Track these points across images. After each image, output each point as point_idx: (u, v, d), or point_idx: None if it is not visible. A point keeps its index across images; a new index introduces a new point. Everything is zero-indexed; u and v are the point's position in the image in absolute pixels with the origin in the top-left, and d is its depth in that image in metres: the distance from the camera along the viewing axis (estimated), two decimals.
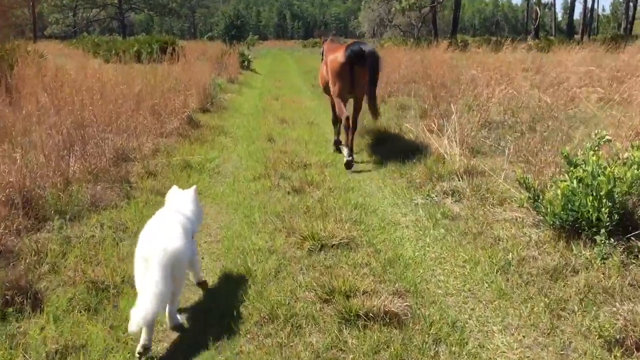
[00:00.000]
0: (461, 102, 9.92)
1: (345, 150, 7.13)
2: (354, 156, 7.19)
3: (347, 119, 7.24)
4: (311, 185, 6.03)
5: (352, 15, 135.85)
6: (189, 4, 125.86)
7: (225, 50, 24.03)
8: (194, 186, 3.82)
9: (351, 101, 7.68)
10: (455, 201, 5.41)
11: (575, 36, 49.82)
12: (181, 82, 12.36)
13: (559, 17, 57.32)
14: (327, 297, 3.38)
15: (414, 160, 6.93)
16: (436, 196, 5.57)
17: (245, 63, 25.36)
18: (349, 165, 6.93)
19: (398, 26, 61.83)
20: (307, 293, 3.48)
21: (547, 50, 21.09)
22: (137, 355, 2.90)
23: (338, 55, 7.17)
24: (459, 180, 5.75)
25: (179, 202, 3.63)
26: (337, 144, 8.05)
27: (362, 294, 3.38)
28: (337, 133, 8.19)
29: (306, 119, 11.00)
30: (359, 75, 7.14)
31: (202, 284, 3.70)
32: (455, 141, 6.80)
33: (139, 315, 2.77)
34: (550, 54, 17.59)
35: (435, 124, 8.17)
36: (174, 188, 3.80)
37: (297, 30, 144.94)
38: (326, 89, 8.11)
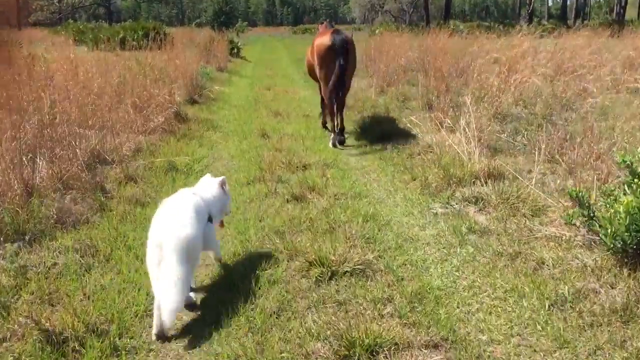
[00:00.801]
0: (468, 92, 9.24)
1: (332, 135, 7.63)
2: (345, 136, 7.79)
3: (332, 105, 7.56)
4: (313, 191, 5.30)
5: (342, 1, 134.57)
6: None
7: (213, 37, 23.13)
8: (223, 177, 3.92)
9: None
10: (480, 210, 4.71)
11: (568, 22, 49.13)
12: (167, 71, 11.60)
13: (549, 2, 56.58)
14: (346, 352, 2.67)
15: (426, 160, 6.23)
16: (457, 204, 4.86)
17: (235, 50, 24.48)
18: (334, 145, 7.48)
19: (389, 12, 61.01)
20: (319, 345, 2.77)
21: (556, 36, 20.30)
22: (155, 337, 2.91)
23: (324, 40, 7.42)
24: (482, 185, 5.05)
25: (203, 186, 3.74)
26: (324, 124, 8.56)
27: (390, 347, 2.68)
28: (324, 115, 8.59)
29: (301, 111, 10.25)
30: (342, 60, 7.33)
31: (220, 260, 3.78)
32: (472, 137, 6.09)
33: (169, 308, 2.82)
34: (554, 39, 16.84)
35: (444, 117, 7.46)
36: (207, 176, 3.92)
37: (286, 17, 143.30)
38: (311, 73, 8.49)
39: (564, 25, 41.07)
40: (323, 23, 9.13)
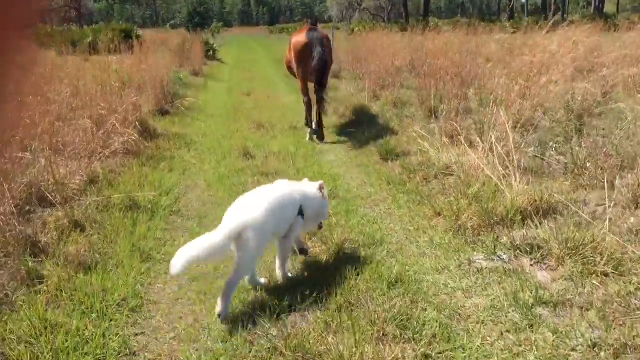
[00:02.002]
0: (481, 96, 8.14)
1: (308, 129, 7.88)
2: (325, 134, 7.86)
3: (309, 100, 7.89)
4: (314, 235, 4.13)
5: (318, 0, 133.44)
6: None
7: (187, 39, 21.78)
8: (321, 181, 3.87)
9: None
10: (538, 263, 3.56)
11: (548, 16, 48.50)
12: (135, 77, 10.35)
13: None
14: None
15: (447, 185, 5.09)
16: (505, 254, 3.70)
17: (210, 52, 23.18)
18: (311, 138, 7.74)
19: (367, 9, 60.01)
20: None
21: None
22: (218, 316, 3.06)
23: (300, 37, 7.76)
24: (535, 226, 3.90)
25: (304, 183, 3.83)
26: (307, 120, 8.31)
27: None
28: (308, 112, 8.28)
29: (287, 122, 9.04)
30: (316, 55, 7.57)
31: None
32: (503, 155, 4.95)
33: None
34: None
35: (456, 128, 6.34)
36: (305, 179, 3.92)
37: (262, 16, 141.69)
38: (290, 70, 8.64)
39: (545, 20, 40.52)
40: (306, 21, 9.52)
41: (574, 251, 3.46)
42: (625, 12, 69.69)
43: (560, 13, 51.46)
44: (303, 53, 7.66)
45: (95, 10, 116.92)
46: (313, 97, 7.83)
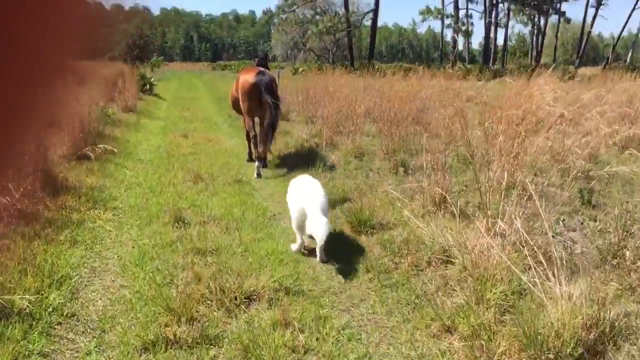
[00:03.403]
0: (450, 151, 7.03)
1: (256, 164, 7.75)
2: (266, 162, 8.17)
3: (255, 136, 7.95)
4: None
5: (262, 38, 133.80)
6: None
7: (122, 72, 20.06)
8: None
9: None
10: None
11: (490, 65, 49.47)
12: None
13: (461, 45, 57.03)
14: None
15: (450, 281, 3.79)
16: None
17: (147, 87, 21.49)
18: (259, 175, 7.62)
19: (312, 50, 59.70)
20: None
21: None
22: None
23: (249, 77, 7.81)
24: None
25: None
26: (250, 155, 8.58)
27: None
28: (251, 148, 8.45)
29: (231, 173, 7.61)
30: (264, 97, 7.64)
31: None
32: (529, 242, 3.71)
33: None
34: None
35: (443, 194, 5.12)
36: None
37: (204, 52, 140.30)
38: (234, 107, 8.76)
39: (487, 69, 41.05)
40: (257, 58, 9.21)
41: None
42: (558, 63, 72.56)
43: (500, 62, 52.73)
44: (250, 94, 7.71)
45: None
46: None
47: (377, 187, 6.49)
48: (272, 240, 4.85)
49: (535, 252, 3.49)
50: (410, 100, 11.00)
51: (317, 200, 4.47)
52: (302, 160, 8.22)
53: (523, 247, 3.83)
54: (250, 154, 8.50)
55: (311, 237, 4.39)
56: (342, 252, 4.56)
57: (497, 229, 3.99)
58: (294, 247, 4.62)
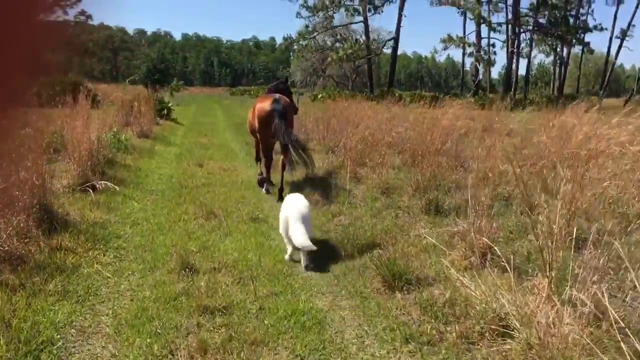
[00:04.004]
0: (488, 190, 6.36)
1: (265, 185, 8.27)
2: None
3: (271, 161, 8.25)
4: None
5: (281, 64, 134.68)
6: (111, 47, 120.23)
7: (140, 96, 19.70)
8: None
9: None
10: None
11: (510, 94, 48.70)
12: (63, 140, 8.35)
13: (481, 74, 56.17)
14: None
15: None
16: None
17: (165, 112, 21.13)
18: (268, 192, 8.16)
19: (332, 77, 59.61)
20: None
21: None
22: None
23: (265, 105, 7.81)
24: None
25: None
26: (262, 181, 8.52)
27: None
28: (261, 171, 8.59)
29: (246, 209, 7.00)
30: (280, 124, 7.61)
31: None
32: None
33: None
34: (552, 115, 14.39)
35: (490, 245, 4.44)
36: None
37: (224, 78, 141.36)
38: (252, 133, 8.75)
39: (509, 98, 40.32)
40: (274, 83, 9.31)
41: None
42: (582, 94, 71.77)
43: (523, 92, 52.04)
44: (267, 121, 7.73)
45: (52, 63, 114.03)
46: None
47: (408, 229, 5.82)
48: (292, 295, 4.19)
49: (624, 327, 2.80)
50: (439, 131, 10.37)
51: (298, 211, 5.10)
52: (324, 194, 7.60)
53: (601, 319, 3.13)
54: (261, 175, 8.56)
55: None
56: (374, 313, 3.88)
57: (567, 294, 3.28)
58: (286, 256, 5.15)
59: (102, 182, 7.02)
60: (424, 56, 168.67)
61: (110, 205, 6.83)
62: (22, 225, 4.96)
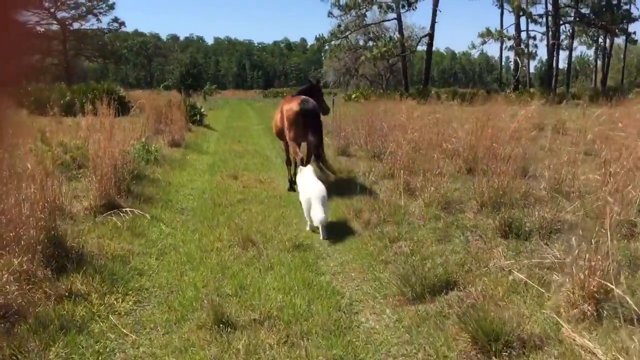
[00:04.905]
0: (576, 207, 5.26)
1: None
2: None
3: (302, 159, 7.81)
4: None
5: (313, 65, 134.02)
6: (145, 53, 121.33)
7: (171, 101, 19.02)
8: None
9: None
10: None
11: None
12: (88, 152, 7.68)
13: (527, 69, 54.01)
14: None
15: None
16: None
17: (197, 117, 20.46)
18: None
19: (365, 76, 58.55)
20: None
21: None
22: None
23: (293, 106, 8.01)
24: None
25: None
26: (290, 182, 8.57)
27: None
28: (289, 172, 8.69)
29: (288, 232, 6.09)
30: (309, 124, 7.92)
31: None
32: None
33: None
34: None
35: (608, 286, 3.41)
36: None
37: (256, 80, 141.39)
38: (279, 134, 8.78)
39: (550, 93, 38.54)
40: (305, 86, 9.39)
41: None
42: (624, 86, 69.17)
43: (565, 86, 50.04)
44: (295, 121, 7.92)
45: (89, 70, 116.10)
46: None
47: (485, 258, 4.81)
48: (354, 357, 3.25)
49: None
50: (499, 132, 9.31)
51: (319, 192, 6.15)
52: (374, 211, 6.63)
53: None
54: (290, 180, 8.61)
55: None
56: None
57: None
58: (307, 227, 6.28)
59: (128, 209, 6.13)
60: (457, 52, 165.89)
61: (136, 230, 6.00)
62: (24, 267, 4.15)
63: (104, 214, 6.31)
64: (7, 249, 4.19)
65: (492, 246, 5.12)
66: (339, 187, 8.45)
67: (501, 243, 5.29)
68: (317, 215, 5.88)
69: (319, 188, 6.21)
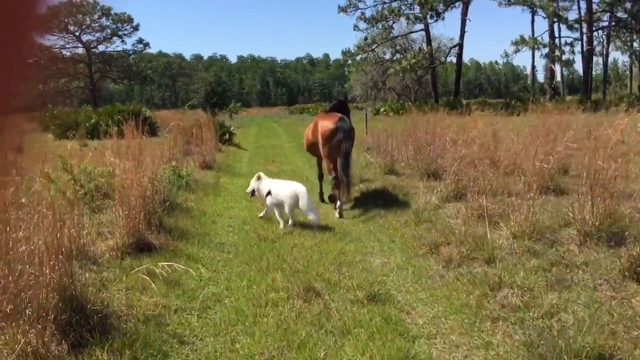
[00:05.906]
0: None
1: (337, 203, 7.88)
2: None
3: (336, 177, 7.95)
4: None
5: (336, 80, 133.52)
6: (169, 73, 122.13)
7: (200, 121, 18.15)
8: None
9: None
10: None
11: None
12: (113, 183, 6.76)
13: (559, 77, 52.29)
14: None
15: None
16: None
17: (227, 136, 19.58)
18: (340, 214, 7.73)
19: (392, 89, 57.46)
20: None
21: None
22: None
23: (329, 123, 8.04)
24: None
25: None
26: (321, 196, 8.97)
27: None
28: (320, 187, 9.10)
29: (355, 275, 4.99)
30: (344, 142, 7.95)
31: None
32: None
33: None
34: None
35: None
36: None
37: (280, 97, 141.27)
38: (309, 149, 9.13)
39: (587, 100, 36.95)
40: (334, 102, 9.58)
41: None
42: None
43: (601, 93, 48.27)
44: (331, 138, 7.94)
45: (114, 92, 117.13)
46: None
47: (626, 314, 3.65)
48: None
49: None
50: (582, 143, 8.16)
51: (304, 189, 6.86)
52: (450, 243, 5.51)
53: None
54: (321, 194, 9.00)
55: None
56: None
57: None
58: (281, 226, 6.88)
59: (165, 264, 5.03)
60: (482, 63, 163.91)
61: (170, 277, 4.96)
62: (34, 344, 3.13)
63: (133, 256, 5.30)
64: (9, 320, 3.18)
65: (629, 295, 3.96)
66: (396, 211, 7.36)
67: (632, 288, 4.13)
68: (312, 209, 6.82)
69: (297, 185, 7.03)
